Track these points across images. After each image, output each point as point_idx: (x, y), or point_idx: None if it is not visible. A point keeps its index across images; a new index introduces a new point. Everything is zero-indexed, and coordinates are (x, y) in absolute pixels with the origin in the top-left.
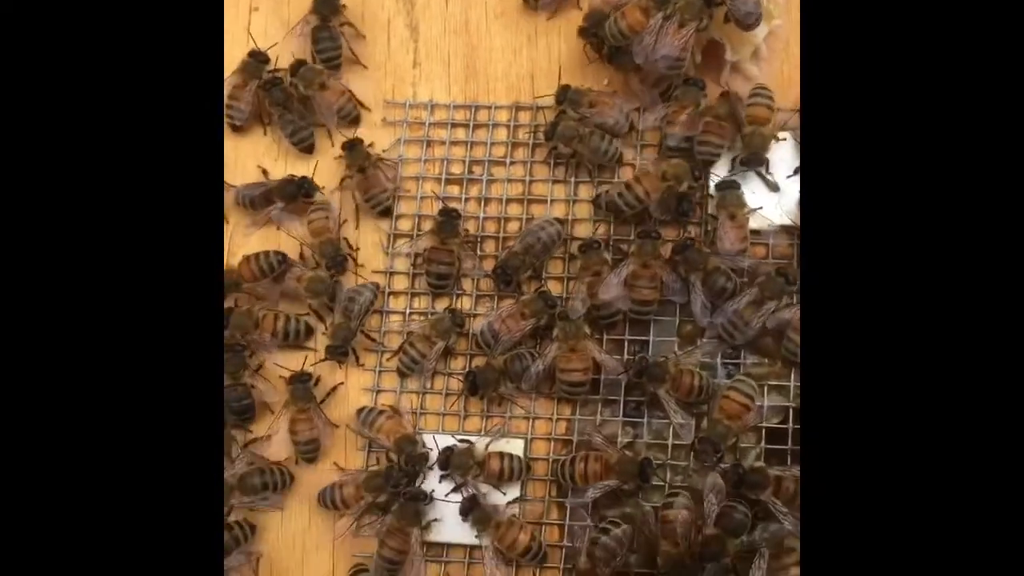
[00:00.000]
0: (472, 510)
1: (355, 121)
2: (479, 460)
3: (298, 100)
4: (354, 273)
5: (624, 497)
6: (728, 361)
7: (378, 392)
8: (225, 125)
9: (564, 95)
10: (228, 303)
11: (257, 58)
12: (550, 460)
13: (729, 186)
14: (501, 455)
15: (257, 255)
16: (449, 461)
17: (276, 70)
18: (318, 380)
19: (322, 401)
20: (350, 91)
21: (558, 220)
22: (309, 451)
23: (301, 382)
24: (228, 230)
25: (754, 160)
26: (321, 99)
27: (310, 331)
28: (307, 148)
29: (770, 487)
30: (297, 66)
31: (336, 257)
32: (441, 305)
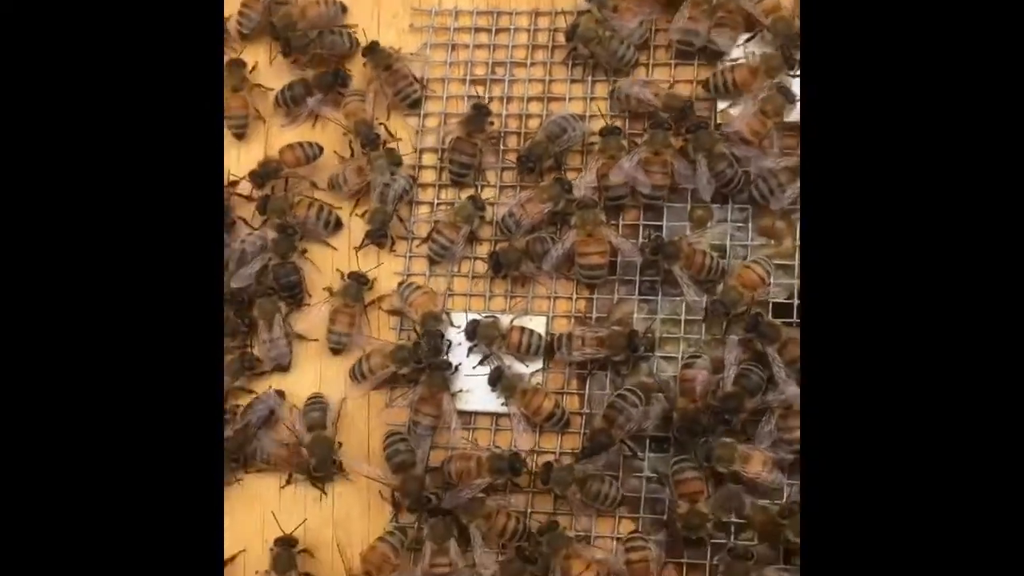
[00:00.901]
0: (500, 379)
1: (343, 10)
2: (503, 332)
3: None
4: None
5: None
6: (736, 243)
7: (408, 276)
8: (235, 32)
9: None
10: (265, 191)
11: None
12: None
13: (785, 93)
14: (522, 329)
15: (301, 143)
16: (476, 332)
17: None
18: (372, 285)
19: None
20: None
21: (581, 117)
22: (338, 343)
23: (358, 281)
24: (265, 128)
25: (791, 42)
26: (306, 18)
27: (339, 224)
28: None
29: (779, 342)
30: (270, 22)
31: (369, 135)
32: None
